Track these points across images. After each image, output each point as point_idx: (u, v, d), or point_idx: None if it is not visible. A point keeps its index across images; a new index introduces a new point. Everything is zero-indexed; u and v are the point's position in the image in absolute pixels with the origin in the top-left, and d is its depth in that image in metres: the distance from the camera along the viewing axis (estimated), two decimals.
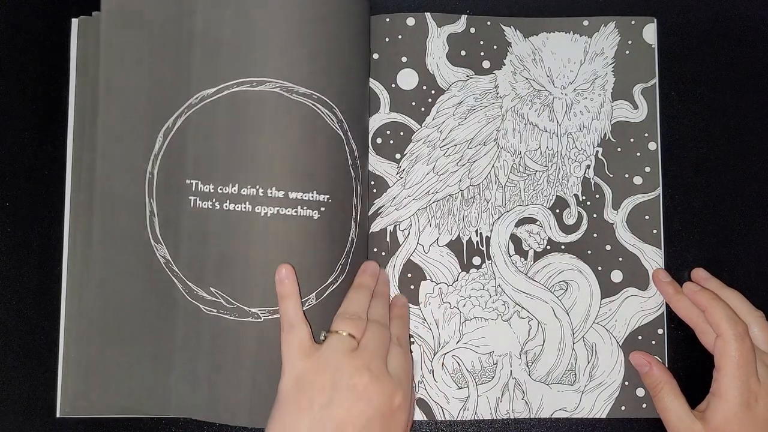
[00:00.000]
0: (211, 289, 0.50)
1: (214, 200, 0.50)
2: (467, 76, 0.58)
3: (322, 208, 0.51)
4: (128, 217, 0.51)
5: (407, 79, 0.58)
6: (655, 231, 0.56)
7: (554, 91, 0.57)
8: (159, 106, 0.51)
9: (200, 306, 0.50)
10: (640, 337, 0.55)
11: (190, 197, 0.51)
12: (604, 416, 0.54)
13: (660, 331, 0.55)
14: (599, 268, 0.56)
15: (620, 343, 0.55)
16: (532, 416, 0.54)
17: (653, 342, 0.55)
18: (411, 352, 0.53)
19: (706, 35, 0.59)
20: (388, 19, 0.58)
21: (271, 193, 0.50)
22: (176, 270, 0.50)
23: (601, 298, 0.55)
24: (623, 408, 0.54)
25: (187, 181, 0.51)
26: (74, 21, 0.57)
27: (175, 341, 0.51)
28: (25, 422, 0.54)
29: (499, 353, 0.54)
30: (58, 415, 0.54)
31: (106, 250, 0.51)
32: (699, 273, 0.55)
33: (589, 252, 0.56)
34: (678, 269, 0.56)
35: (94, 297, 0.52)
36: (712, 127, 0.58)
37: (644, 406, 0.54)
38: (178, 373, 0.50)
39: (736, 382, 0.48)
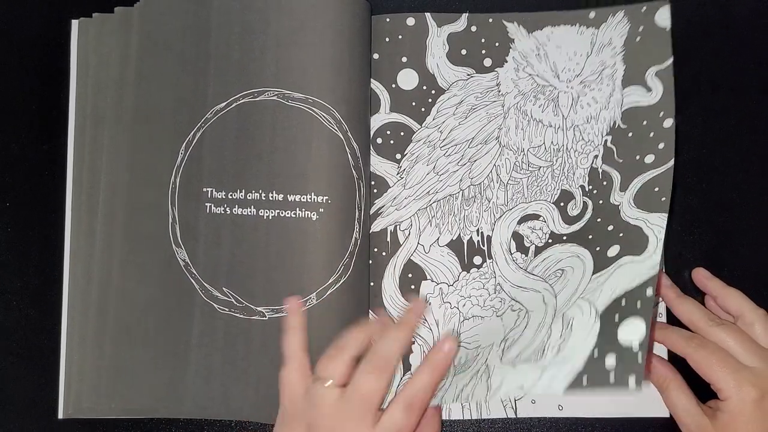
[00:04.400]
0: (224, 289, 0.53)
1: (225, 206, 0.54)
2: (468, 75, 0.58)
3: (321, 210, 0.53)
4: (153, 224, 0.54)
5: (407, 79, 0.58)
6: (663, 198, 0.52)
7: (559, 85, 0.57)
8: (182, 121, 0.55)
9: (214, 305, 0.53)
10: (623, 302, 0.50)
11: (205, 203, 0.54)
12: (561, 392, 0.48)
13: (648, 292, 0.48)
14: (597, 249, 0.54)
15: (600, 312, 0.50)
16: (489, 398, 0.51)
17: (638, 304, 0.48)
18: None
19: (706, 35, 0.59)
20: (388, 20, 0.58)
21: (272, 196, 0.53)
22: (194, 272, 0.53)
23: (593, 274, 0.53)
24: (585, 380, 0.47)
25: (204, 189, 0.54)
26: (74, 22, 0.57)
27: (191, 339, 0.53)
28: (27, 423, 0.54)
29: (484, 345, 0.54)
30: (60, 417, 0.54)
31: (130, 255, 0.53)
32: (700, 273, 0.55)
33: (590, 237, 0.54)
34: (678, 269, 0.56)
35: (115, 300, 0.53)
36: (712, 127, 0.58)
37: (612, 380, 0.46)
38: (194, 370, 0.52)
39: (727, 378, 0.48)
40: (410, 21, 0.58)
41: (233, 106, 0.54)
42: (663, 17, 0.55)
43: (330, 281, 0.53)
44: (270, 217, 0.53)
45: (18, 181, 0.57)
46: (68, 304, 0.55)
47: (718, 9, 0.59)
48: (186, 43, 0.55)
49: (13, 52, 0.58)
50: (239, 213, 0.53)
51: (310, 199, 0.53)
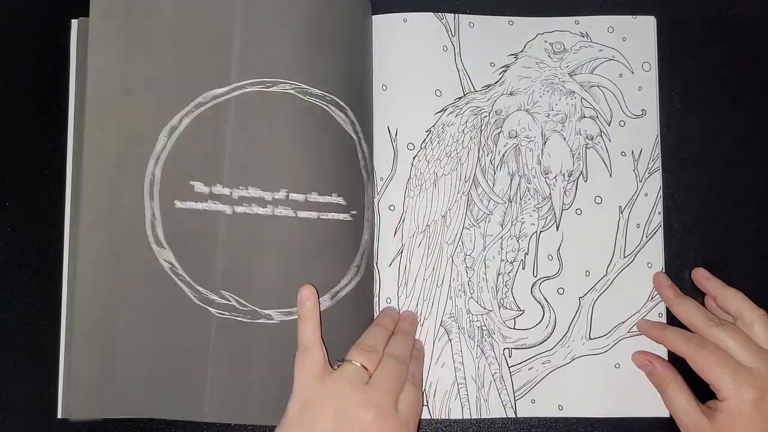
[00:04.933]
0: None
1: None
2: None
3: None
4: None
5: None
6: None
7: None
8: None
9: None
10: None
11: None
12: None
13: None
14: None
15: None
16: None
17: None
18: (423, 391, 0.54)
19: (706, 35, 0.59)
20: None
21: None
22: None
23: None
24: None
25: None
26: (74, 22, 0.57)
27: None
28: (26, 423, 0.54)
29: None
30: (59, 417, 0.54)
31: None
32: (699, 273, 0.55)
33: None
34: (678, 269, 0.56)
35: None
36: (712, 127, 0.58)
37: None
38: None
39: (726, 378, 0.48)
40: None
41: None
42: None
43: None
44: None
45: (18, 181, 0.57)
46: (67, 304, 0.54)
47: (718, 9, 0.59)
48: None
49: (13, 52, 0.58)
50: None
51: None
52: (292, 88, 0.51)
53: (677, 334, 0.52)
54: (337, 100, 0.52)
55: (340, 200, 0.52)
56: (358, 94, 0.54)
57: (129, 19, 0.50)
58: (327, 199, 0.51)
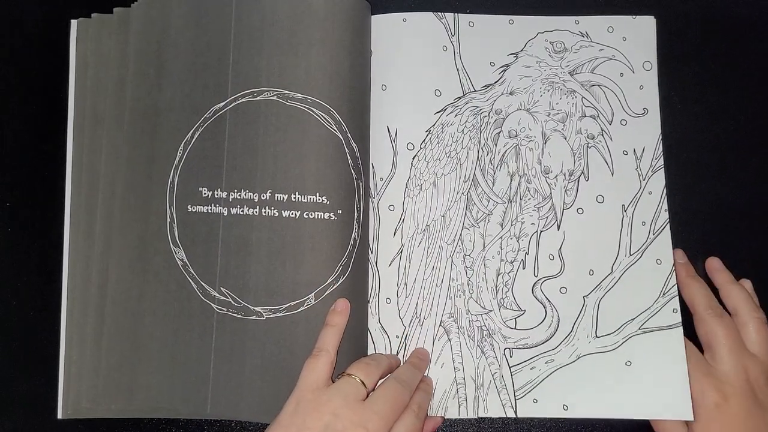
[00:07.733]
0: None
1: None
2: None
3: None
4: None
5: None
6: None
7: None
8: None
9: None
10: None
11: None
12: None
13: None
14: None
15: None
16: None
17: None
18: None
19: (706, 35, 0.59)
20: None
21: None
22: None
23: None
24: None
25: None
26: (73, 22, 0.57)
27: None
28: (26, 423, 0.55)
29: None
30: (59, 417, 0.54)
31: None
32: (712, 263, 0.56)
33: None
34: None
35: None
36: (712, 127, 0.58)
37: None
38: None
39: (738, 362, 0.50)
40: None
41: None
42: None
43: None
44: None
45: (18, 181, 0.57)
46: (67, 304, 0.55)
47: (718, 9, 0.59)
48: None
49: (13, 52, 0.58)
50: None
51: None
52: (275, 95, 0.54)
53: (702, 292, 0.53)
54: (320, 101, 0.54)
55: (323, 200, 0.53)
56: (346, 94, 0.55)
57: (159, 49, 0.55)
58: (310, 198, 0.53)
